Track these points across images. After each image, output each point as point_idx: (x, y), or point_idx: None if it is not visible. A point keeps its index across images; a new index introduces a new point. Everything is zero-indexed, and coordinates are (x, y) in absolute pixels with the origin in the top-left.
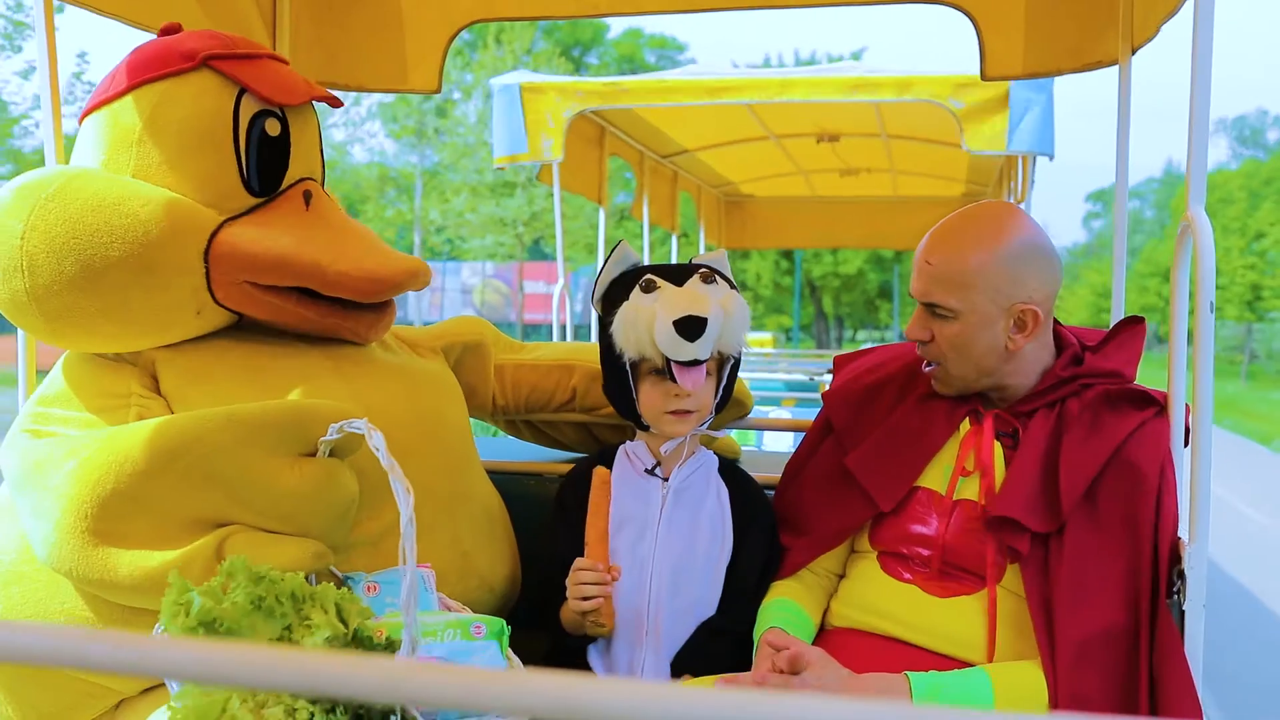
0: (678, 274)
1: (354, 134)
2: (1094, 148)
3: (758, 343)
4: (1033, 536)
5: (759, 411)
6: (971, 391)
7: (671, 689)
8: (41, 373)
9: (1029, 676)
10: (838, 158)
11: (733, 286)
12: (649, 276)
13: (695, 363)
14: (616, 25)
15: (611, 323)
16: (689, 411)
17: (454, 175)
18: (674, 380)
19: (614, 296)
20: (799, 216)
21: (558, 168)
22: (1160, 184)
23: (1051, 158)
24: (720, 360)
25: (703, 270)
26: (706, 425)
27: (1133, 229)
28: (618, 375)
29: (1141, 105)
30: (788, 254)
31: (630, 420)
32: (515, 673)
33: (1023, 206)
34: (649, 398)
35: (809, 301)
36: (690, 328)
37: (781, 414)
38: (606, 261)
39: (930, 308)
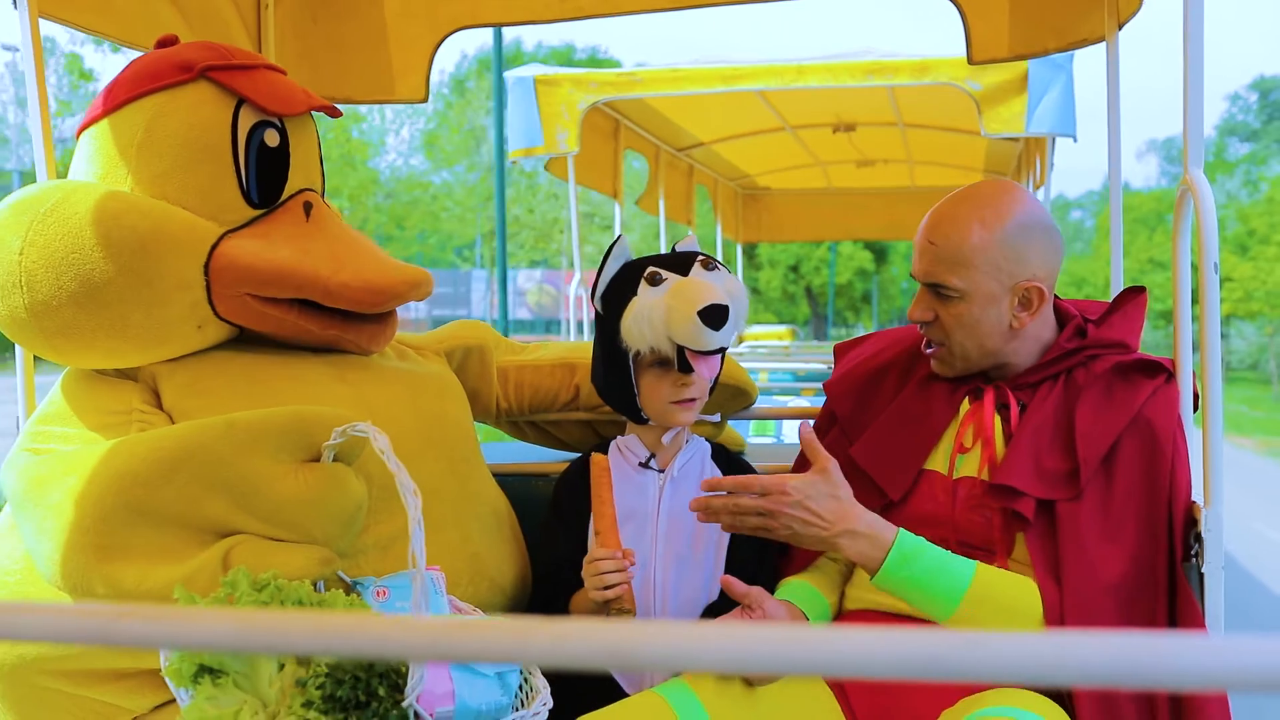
0: (678, 264)
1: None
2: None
3: (775, 335)
4: (1039, 503)
5: (779, 402)
6: (973, 372)
7: (669, 626)
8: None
9: (1019, 585)
10: (854, 148)
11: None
12: (653, 269)
13: (715, 351)
14: (622, 60)
15: (613, 318)
16: (694, 400)
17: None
18: (687, 371)
19: (613, 292)
20: (816, 209)
21: (572, 161)
22: (1100, 196)
23: (1074, 139)
24: None
25: (701, 258)
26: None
27: (1073, 237)
28: (617, 370)
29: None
30: (795, 267)
31: (627, 415)
32: (525, 621)
33: (1042, 190)
34: (653, 390)
35: (807, 305)
36: (715, 316)
37: (799, 403)
38: (606, 258)
39: (934, 288)
